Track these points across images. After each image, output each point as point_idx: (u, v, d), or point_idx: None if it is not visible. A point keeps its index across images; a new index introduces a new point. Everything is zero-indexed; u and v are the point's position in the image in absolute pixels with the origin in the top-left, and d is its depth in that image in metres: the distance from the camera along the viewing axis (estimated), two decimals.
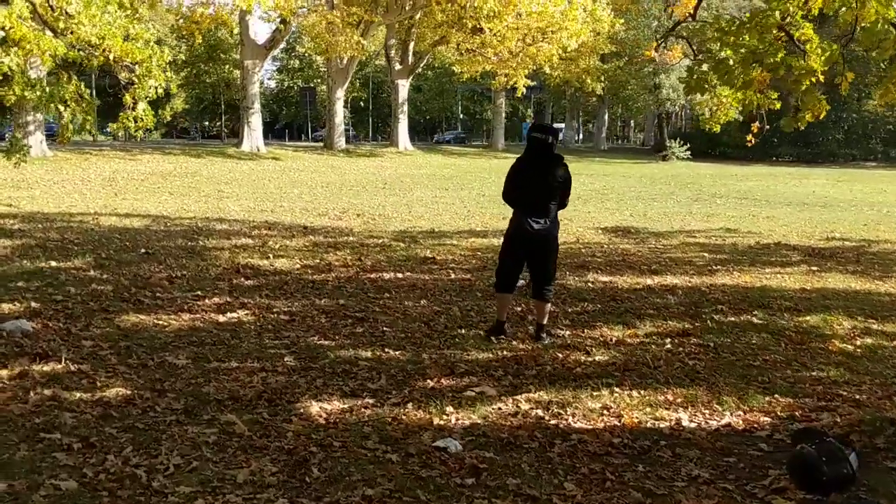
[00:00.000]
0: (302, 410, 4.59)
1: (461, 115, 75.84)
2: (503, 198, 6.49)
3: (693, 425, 4.33)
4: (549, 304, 6.53)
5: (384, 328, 6.68)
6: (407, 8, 36.73)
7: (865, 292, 8.73)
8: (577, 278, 9.23)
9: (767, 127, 10.95)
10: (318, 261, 10.05)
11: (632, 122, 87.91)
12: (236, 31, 30.00)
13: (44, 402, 4.63)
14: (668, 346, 6.13)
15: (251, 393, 4.87)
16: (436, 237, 12.73)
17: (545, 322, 6.44)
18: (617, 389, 4.88)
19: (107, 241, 11.10)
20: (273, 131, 63.57)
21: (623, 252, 11.45)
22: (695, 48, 12.46)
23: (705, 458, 3.88)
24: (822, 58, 10.35)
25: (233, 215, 15.00)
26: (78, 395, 4.76)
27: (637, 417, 4.39)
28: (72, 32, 13.31)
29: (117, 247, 10.59)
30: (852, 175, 34.68)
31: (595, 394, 4.81)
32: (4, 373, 5.15)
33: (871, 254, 11.71)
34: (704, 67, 8.38)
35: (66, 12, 13.35)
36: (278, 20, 29.90)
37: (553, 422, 4.36)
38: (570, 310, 7.54)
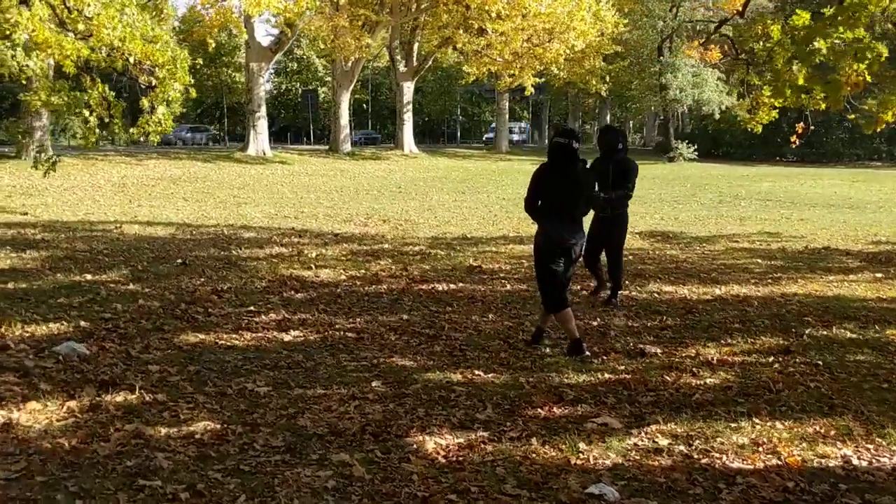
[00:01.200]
0: (416, 446, 4.15)
1: (460, 117, 75.47)
2: (526, 208, 6.15)
3: (864, 464, 3.90)
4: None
5: (462, 346, 6.25)
6: (413, 9, 36.31)
7: None
8: (639, 288, 8.83)
9: (812, 127, 10.59)
10: (363, 271, 9.61)
11: (630, 122, 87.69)
12: (244, 34, 29.37)
13: (128, 439, 4.18)
14: (777, 366, 5.71)
15: (352, 426, 4.42)
16: (472, 244, 12.30)
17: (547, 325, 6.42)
18: (756, 420, 4.45)
19: (136, 251, 10.65)
20: (271, 133, 62.82)
21: (673, 259, 11.04)
22: (737, 48, 12.08)
23: None
24: (872, 56, 9.99)
25: (256, 222, 14.54)
26: (163, 430, 4.31)
27: (798, 455, 3.96)
28: (90, 35, 12.86)
29: (149, 257, 10.14)
30: (866, 175, 34.37)
31: (734, 425, 4.38)
32: (74, 404, 4.69)
33: None
34: (794, 68, 7.96)
35: (84, 14, 12.91)
36: (284, 24, 29.39)
37: (704, 461, 3.92)
38: (649, 324, 7.12)
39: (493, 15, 32.94)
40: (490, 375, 5.43)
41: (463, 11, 34.94)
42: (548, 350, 6.12)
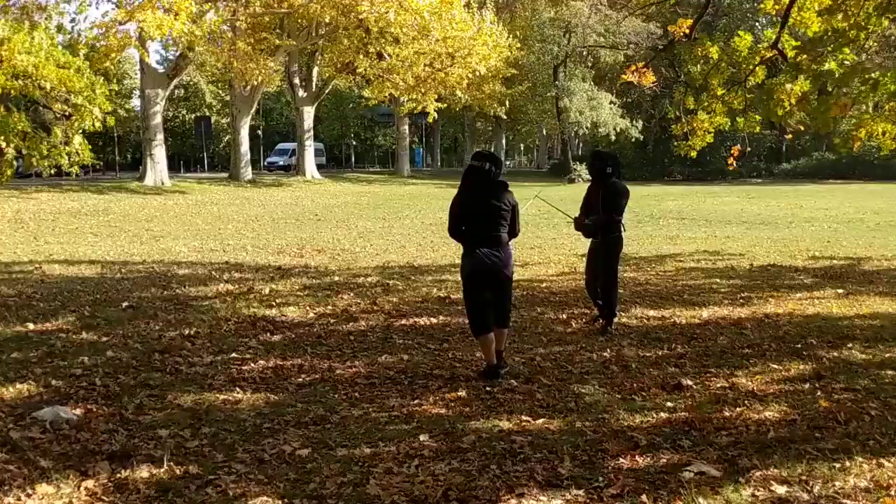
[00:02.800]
0: None
1: (353, 143, 74.91)
2: (450, 234, 6.20)
3: None
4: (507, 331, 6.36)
5: (487, 388, 5.82)
6: (313, 33, 35.66)
7: None
8: (623, 313, 8.60)
9: (749, 150, 10.72)
10: (329, 307, 9.04)
11: (521, 146, 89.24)
12: (146, 57, 28.04)
13: None
14: (821, 393, 5.54)
15: (430, 491, 3.93)
16: (424, 273, 11.90)
17: (502, 348, 6.26)
18: (859, 458, 4.21)
19: (71, 294, 9.73)
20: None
21: (636, 282, 10.92)
22: (678, 71, 12.20)
23: None
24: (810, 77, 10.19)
25: (184, 257, 13.69)
26: None
27: None
28: (2, 61, 11.81)
29: (90, 300, 9.27)
30: (756, 192, 35.80)
31: (837, 465, 4.13)
32: (92, 484, 4.02)
33: (874, 272, 11.64)
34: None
35: None
36: (186, 48, 28.22)
37: None
38: (660, 353, 6.89)
39: (392, 40, 32.67)
40: (540, 421, 5.02)
41: (362, 36, 34.55)
42: (584, 389, 5.75)
